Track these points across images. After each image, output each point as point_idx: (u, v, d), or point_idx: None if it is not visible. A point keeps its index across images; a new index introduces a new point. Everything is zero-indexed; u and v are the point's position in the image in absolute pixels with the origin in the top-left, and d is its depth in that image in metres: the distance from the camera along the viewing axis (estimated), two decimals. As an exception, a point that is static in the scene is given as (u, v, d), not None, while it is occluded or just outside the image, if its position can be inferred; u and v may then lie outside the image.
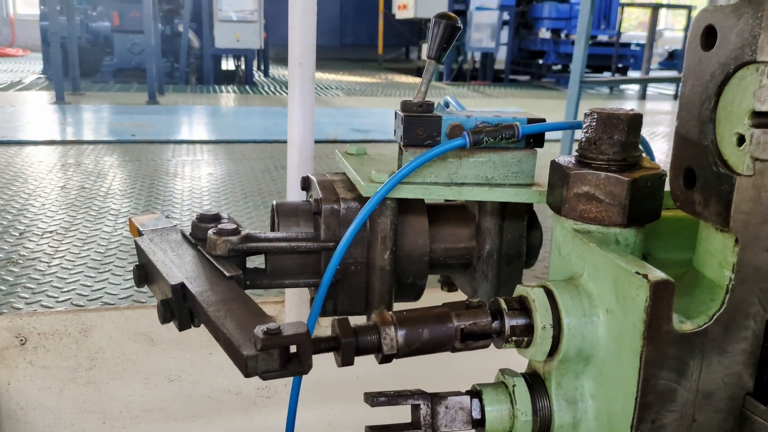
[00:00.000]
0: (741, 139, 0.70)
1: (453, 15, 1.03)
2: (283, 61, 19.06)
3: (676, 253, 0.96)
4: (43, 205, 4.40)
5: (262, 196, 4.79)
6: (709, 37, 0.74)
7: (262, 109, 9.92)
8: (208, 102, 10.51)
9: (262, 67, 15.59)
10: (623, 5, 15.68)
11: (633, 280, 0.73)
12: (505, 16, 15.40)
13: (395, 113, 1.06)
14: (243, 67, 13.57)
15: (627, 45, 16.31)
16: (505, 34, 15.48)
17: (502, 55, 15.75)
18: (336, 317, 0.82)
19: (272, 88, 12.86)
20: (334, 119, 8.82)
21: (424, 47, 16.57)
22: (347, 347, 0.80)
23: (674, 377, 0.74)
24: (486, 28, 14.48)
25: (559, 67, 15.50)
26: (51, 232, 3.80)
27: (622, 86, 14.49)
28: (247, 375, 0.78)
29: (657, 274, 0.71)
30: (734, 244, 0.72)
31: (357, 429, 1.88)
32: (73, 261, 3.30)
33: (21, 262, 3.25)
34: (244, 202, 4.66)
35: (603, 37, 15.55)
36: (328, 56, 20.68)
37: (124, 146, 6.68)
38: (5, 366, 1.67)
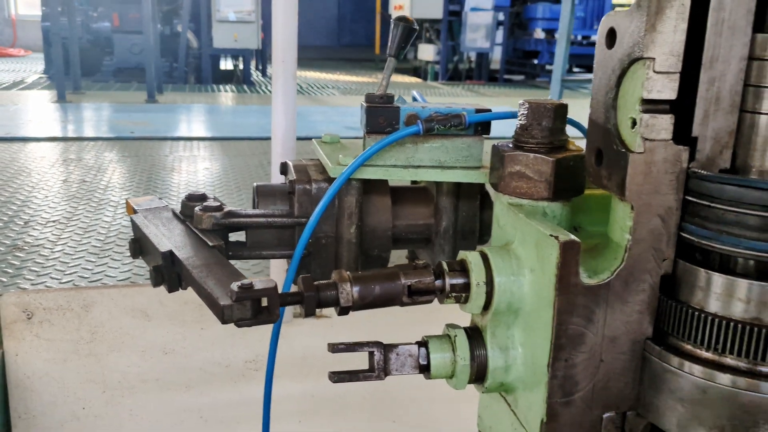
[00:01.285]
0: (634, 123, 0.84)
1: (410, 18, 1.17)
2: (281, 60, 19.12)
3: (603, 226, 1.09)
4: (46, 197, 4.57)
5: (255, 190, 4.94)
6: (611, 37, 0.88)
7: (258, 107, 10.08)
8: (206, 101, 10.66)
9: (260, 67, 15.74)
10: (615, 6, 15.84)
11: (548, 242, 0.87)
12: (500, 17, 15.54)
13: (361, 105, 1.20)
14: (241, 66, 13.72)
15: (621, 45, 16.40)
16: (499, 35, 15.64)
17: (497, 55, 15.90)
18: (301, 275, 0.96)
19: (270, 88, 13.00)
20: (327, 117, 8.98)
21: (420, 47, 16.73)
22: (309, 300, 0.94)
23: (583, 323, 0.88)
24: (481, 28, 14.63)
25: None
26: (54, 221, 3.96)
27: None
28: (223, 322, 0.92)
29: (566, 236, 0.85)
30: (631, 211, 0.86)
31: (336, 401, 2.03)
32: (74, 247, 3.46)
33: (26, 248, 3.40)
34: (238, 194, 4.82)
35: (596, 38, 15.69)
36: (326, 56, 20.81)
37: (123, 143, 6.84)
38: (13, 338, 1.81)
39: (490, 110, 1.17)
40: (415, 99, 1.49)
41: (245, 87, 13.04)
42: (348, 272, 0.97)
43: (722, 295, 0.84)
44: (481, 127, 1.18)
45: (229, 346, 1.93)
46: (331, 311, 2.08)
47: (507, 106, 1.24)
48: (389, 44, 1.19)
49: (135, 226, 1.24)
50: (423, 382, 2.09)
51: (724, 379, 0.82)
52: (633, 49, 0.83)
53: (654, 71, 0.81)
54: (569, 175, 0.99)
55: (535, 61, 16.19)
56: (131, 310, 1.85)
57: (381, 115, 1.16)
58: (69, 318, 1.81)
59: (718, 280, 0.84)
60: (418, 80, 16.46)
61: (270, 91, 11.30)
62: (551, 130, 1.00)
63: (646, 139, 0.83)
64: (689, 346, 0.86)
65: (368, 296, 0.95)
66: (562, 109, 1.01)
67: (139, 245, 1.23)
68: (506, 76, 16.43)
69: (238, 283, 0.91)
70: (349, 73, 16.96)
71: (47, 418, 1.76)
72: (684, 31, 0.80)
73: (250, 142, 6.96)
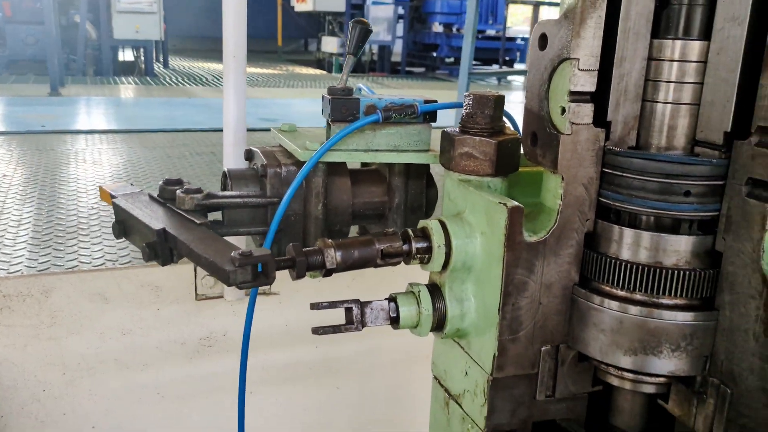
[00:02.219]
0: (563, 110, 1.05)
1: (365, 21, 1.35)
2: (183, 52, 18.77)
3: (533, 197, 1.30)
4: (-32, 191, 4.45)
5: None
6: (542, 41, 1.08)
7: (166, 99, 9.94)
8: (111, 93, 10.41)
9: (161, 59, 15.40)
10: (508, 2, 16.51)
11: (497, 208, 1.07)
12: (400, 11, 15.88)
13: (323, 96, 1.37)
14: (142, 58, 13.40)
15: (513, 39, 17.19)
16: (400, 28, 15.99)
17: (398, 48, 16.26)
18: (291, 243, 1.12)
19: (174, 80, 12.78)
20: (240, 110, 8.96)
21: (324, 39, 16.84)
22: (300, 264, 1.10)
23: (526, 273, 1.08)
24: (382, 21, 14.94)
25: (451, 59, 16.19)
26: (-18, 215, 3.88)
27: (509, 77, 15.35)
28: (228, 284, 1.07)
29: (512, 203, 1.05)
30: (561, 181, 1.07)
31: (285, 371, 2.19)
32: (13, 239, 3.43)
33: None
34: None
35: (491, 32, 16.34)
36: (228, 47, 20.48)
37: (36, 137, 6.66)
38: (-26, 325, 1.85)
39: (436, 101, 1.37)
40: (360, 90, 1.67)
41: (148, 79, 12.76)
42: (330, 240, 1.13)
43: (631, 246, 1.05)
44: (429, 115, 1.37)
45: (185, 325, 2.04)
46: (278, 288, 2.23)
47: (413, 94, 1.43)
48: (347, 44, 1.37)
49: (119, 209, 1.35)
50: (362, 354, 2.27)
51: (635, 310, 1.04)
52: (562, 51, 1.04)
53: (578, 69, 1.02)
54: (508, 155, 1.18)
55: (435, 54, 16.66)
56: (90, 294, 1.93)
57: (344, 106, 1.33)
58: (29, 304, 1.87)
59: (628, 233, 1.05)
60: (322, 72, 16.56)
61: (175, 83, 11.09)
62: (492, 117, 1.19)
63: (573, 123, 1.04)
64: (607, 288, 1.08)
65: (349, 259, 1.13)
66: (501, 99, 1.21)
67: (123, 227, 1.34)
68: (408, 68, 16.81)
69: (239, 252, 1.07)
70: (254, 65, 16.82)
71: (7, 402, 1.82)
72: (601, 37, 1.02)
73: (166, 134, 6.92)
